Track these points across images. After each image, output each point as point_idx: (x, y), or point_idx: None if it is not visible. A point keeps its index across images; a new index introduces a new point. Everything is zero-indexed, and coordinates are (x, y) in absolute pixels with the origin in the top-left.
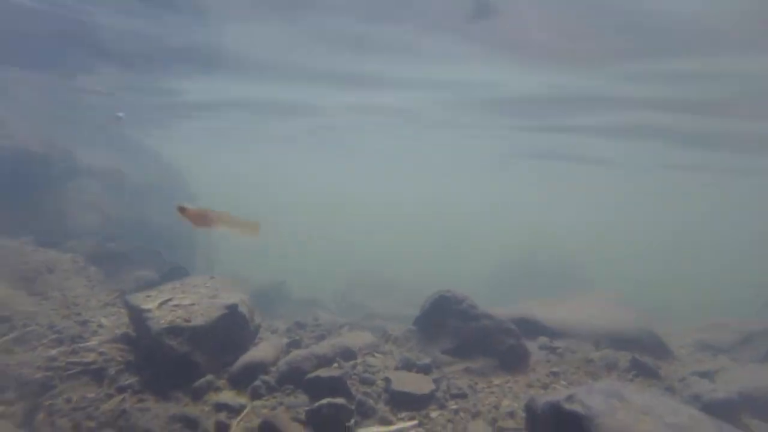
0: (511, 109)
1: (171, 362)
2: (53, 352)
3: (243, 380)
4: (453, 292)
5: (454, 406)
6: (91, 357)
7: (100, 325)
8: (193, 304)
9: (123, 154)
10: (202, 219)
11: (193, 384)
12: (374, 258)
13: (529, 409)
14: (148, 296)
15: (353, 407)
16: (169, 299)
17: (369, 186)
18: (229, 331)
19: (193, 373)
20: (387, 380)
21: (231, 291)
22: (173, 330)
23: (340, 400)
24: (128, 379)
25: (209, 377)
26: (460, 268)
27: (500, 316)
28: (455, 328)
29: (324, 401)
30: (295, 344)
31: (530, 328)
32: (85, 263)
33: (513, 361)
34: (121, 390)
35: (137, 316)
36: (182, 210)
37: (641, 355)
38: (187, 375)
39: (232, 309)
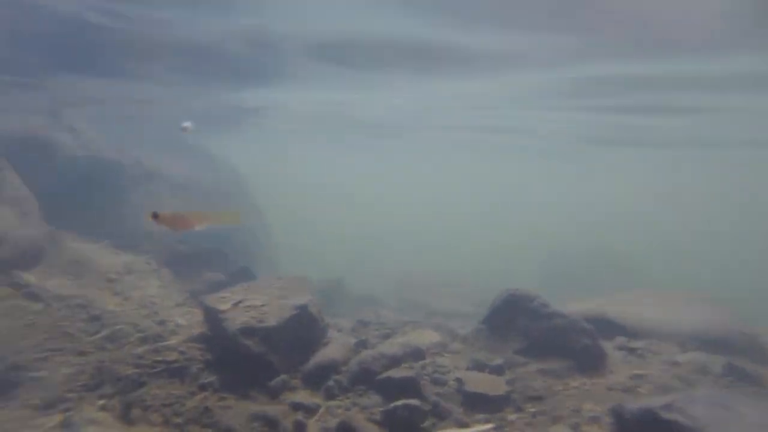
0: (589, 89)
1: (247, 361)
2: (139, 350)
3: (316, 380)
4: (523, 290)
5: (532, 409)
6: (173, 356)
7: (177, 325)
8: (264, 305)
9: (189, 159)
10: (177, 222)
11: (269, 383)
12: (428, 255)
13: (616, 414)
14: (222, 298)
15: (428, 409)
16: (242, 300)
17: (418, 181)
18: (300, 331)
19: (268, 372)
20: (459, 381)
21: (299, 291)
22: (248, 330)
23: (414, 402)
24: (208, 378)
25: (284, 377)
26: (510, 263)
27: (572, 314)
28: (526, 327)
29: (399, 402)
30: (362, 344)
31: (603, 326)
32: (157, 265)
33: (589, 362)
34: (203, 388)
35: (213, 316)
36: (155, 216)
37: (737, 359)
38: (263, 374)
39: (302, 309)
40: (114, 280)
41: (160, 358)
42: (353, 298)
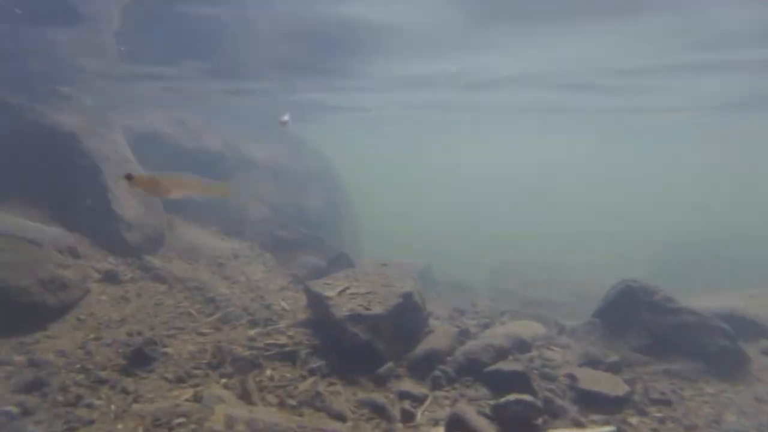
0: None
1: (354, 348)
2: (251, 332)
3: (422, 369)
4: (642, 282)
5: (658, 414)
6: (282, 339)
7: (284, 309)
8: (369, 293)
9: (284, 146)
10: (154, 187)
11: (375, 370)
12: (521, 243)
13: None
14: (327, 284)
15: (541, 405)
16: (347, 287)
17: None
18: (404, 319)
19: (374, 359)
20: (571, 377)
21: (402, 279)
22: (355, 317)
23: (528, 397)
24: (317, 362)
25: (390, 365)
26: (619, 253)
27: (703, 311)
28: (646, 323)
29: (512, 397)
30: (465, 333)
31: (740, 326)
32: (260, 250)
33: (726, 366)
34: (312, 372)
35: (319, 302)
36: (129, 178)
37: None
38: (370, 361)
39: (407, 297)
40: (223, 264)
41: (271, 341)
42: (442, 284)
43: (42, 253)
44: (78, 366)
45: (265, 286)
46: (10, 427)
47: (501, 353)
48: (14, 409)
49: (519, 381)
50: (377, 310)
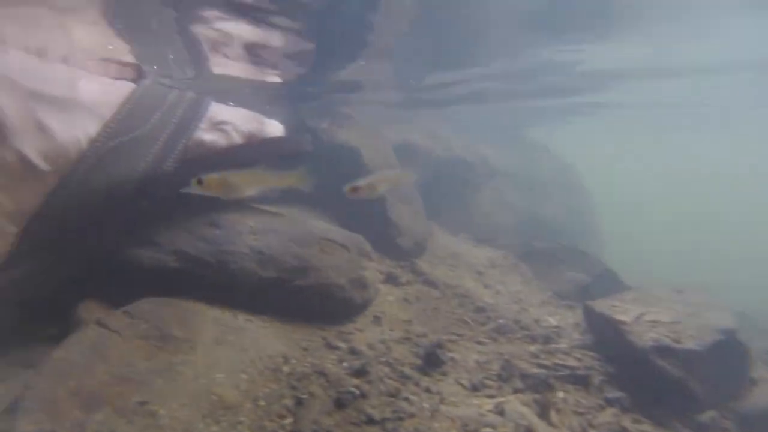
0: None
1: (661, 385)
2: (532, 348)
3: (758, 428)
4: None
5: None
6: (571, 361)
7: (556, 326)
8: (674, 322)
9: (522, 152)
10: (227, 187)
11: (694, 416)
12: None
13: None
14: (614, 306)
15: None
16: (643, 313)
17: None
18: (726, 361)
19: (688, 403)
20: None
21: (715, 311)
22: (662, 350)
23: None
24: (615, 393)
25: (712, 413)
26: None
27: None
28: None
29: None
30: None
31: None
32: (515, 260)
33: None
34: (610, 403)
35: (608, 326)
36: (200, 182)
37: None
38: (682, 404)
39: (728, 335)
40: (482, 273)
41: (559, 362)
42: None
43: (351, 256)
44: (383, 359)
45: (526, 299)
46: (352, 405)
47: None
48: (355, 391)
49: None
50: (689, 344)
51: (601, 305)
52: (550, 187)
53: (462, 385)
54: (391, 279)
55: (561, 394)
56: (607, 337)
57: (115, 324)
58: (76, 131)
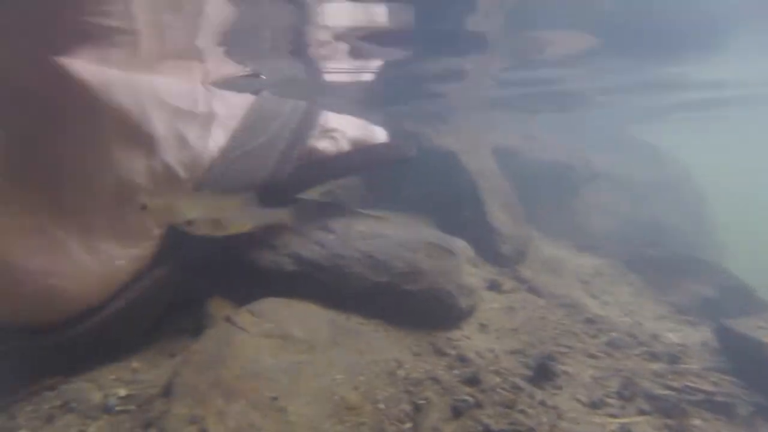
0: None
1: None
2: (654, 366)
3: None
4: None
5: None
6: (706, 386)
7: (678, 345)
8: None
9: (628, 154)
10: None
11: None
12: None
13: None
14: (761, 327)
15: None
16: None
17: None
18: None
19: None
20: None
21: None
22: None
23: None
24: (765, 427)
25: None
26: None
27: None
28: None
29: None
30: None
31: None
32: (623, 268)
33: None
34: None
35: (751, 350)
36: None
37: None
38: None
39: None
40: (587, 282)
41: (691, 384)
42: None
43: (457, 261)
44: (492, 368)
45: (639, 311)
46: (468, 414)
47: None
48: (470, 399)
49: None
50: None
51: (743, 325)
52: (659, 191)
53: (579, 401)
54: (494, 286)
55: (697, 422)
56: (749, 361)
57: (242, 321)
58: (209, 142)
